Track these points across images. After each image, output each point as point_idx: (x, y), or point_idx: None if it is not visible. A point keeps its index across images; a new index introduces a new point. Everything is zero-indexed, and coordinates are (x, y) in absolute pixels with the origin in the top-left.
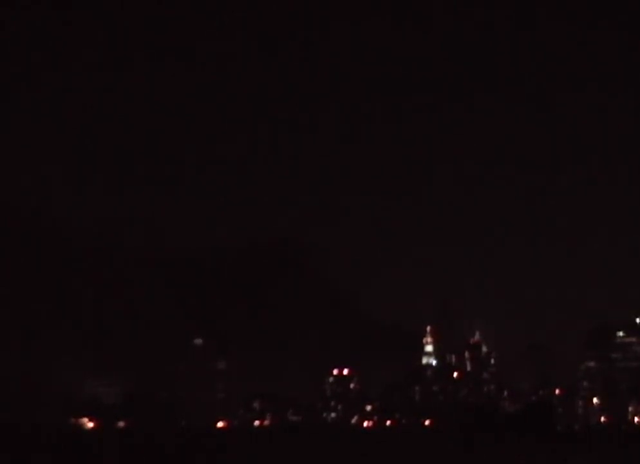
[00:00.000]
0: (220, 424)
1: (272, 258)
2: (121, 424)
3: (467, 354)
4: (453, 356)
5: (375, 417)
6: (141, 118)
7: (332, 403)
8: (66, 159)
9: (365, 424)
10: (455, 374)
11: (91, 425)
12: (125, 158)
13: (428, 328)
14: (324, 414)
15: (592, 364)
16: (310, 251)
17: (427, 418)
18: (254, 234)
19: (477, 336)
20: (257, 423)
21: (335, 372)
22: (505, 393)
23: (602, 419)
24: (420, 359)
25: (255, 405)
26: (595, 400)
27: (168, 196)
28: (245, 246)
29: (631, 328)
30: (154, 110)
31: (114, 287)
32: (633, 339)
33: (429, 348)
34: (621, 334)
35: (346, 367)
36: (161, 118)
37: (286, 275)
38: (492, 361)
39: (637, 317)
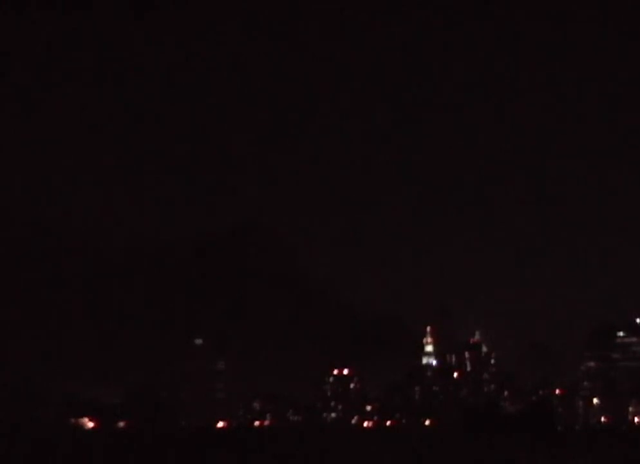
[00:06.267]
0: (220, 424)
1: (261, 256)
2: (121, 424)
3: (467, 354)
4: (453, 356)
5: (375, 418)
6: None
7: (332, 403)
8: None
9: (365, 424)
10: (455, 374)
11: (91, 425)
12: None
13: (428, 328)
14: (324, 414)
15: (592, 364)
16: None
17: (427, 418)
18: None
19: (477, 336)
20: (257, 423)
21: (335, 372)
22: (505, 393)
23: (603, 419)
24: (420, 359)
25: (255, 405)
26: (595, 400)
27: (142, 193)
28: (232, 239)
29: (632, 329)
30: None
31: (113, 288)
32: (634, 340)
33: (429, 348)
34: (621, 334)
35: (346, 367)
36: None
37: (277, 273)
38: (492, 361)
39: (637, 317)
